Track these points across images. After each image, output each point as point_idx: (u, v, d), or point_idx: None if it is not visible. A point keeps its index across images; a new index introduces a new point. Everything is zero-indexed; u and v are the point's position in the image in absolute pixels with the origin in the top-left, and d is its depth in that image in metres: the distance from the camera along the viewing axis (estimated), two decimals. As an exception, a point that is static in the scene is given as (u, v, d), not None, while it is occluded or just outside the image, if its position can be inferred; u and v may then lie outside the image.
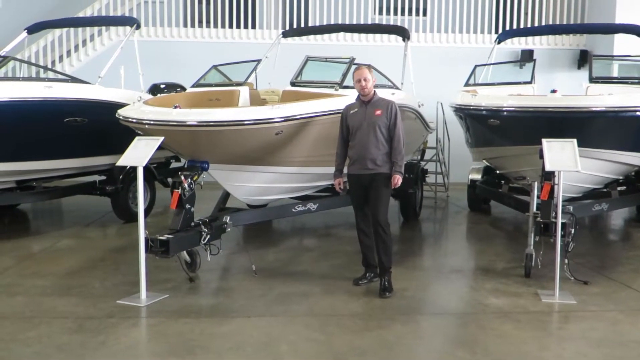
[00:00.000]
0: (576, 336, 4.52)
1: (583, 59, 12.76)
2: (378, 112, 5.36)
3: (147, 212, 8.26)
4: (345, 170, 5.69)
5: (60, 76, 8.15)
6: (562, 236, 5.42)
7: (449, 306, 5.23)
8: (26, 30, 9.02)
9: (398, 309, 5.05)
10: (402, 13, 13.27)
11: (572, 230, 5.72)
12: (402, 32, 8.42)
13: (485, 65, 9.24)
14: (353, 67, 7.25)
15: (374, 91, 5.49)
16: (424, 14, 13.41)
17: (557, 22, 13.05)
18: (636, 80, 8.49)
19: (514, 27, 13.05)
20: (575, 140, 5.46)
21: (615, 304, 5.23)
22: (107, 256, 6.70)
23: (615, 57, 10.36)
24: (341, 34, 12.41)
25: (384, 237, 5.38)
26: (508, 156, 7.00)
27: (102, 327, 4.51)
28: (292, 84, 7.53)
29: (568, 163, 5.33)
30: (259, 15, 13.09)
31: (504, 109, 6.23)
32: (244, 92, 7.47)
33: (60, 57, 12.33)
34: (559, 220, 5.37)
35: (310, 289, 5.52)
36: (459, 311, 5.12)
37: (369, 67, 5.57)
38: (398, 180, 5.36)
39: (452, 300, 5.39)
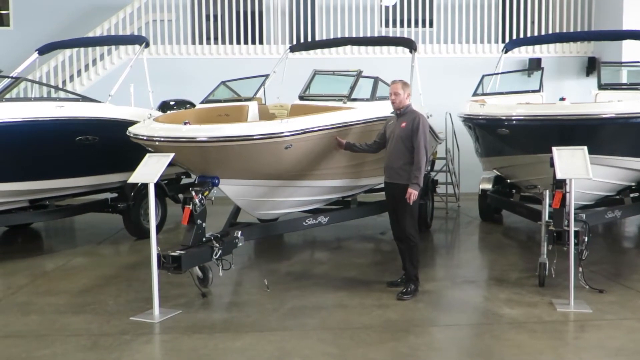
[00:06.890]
0: (593, 345, 4.48)
1: (591, 66, 12.71)
2: (403, 124, 5.65)
3: (158, 228, 8.28)
4: (350, 142, 6.24)
5: (71, 95, 8.21)
6: (575, 244, 5.38)
7: (463, 317, 5.20)
8: (37, 51, 9.17)
9: (412, 320, 5.02)
10: (409, 25, 13.27)
11: (586, 238, 5.68)
12: (409, 44, 8.43)
13: (493, 74, 9.23)
14: (361, 79, 7.32)
15: (408, 105, 5.75)
16: (431, 25, 13.43)
17: (564, 30, 13.02)
18: (645, 86, 8.45)
19: (521, 36, 13.01)
20: (585, 148, 5.44)
21: (632, 312, 5.18)
22: (119, 273, 6.72)
23: (623, 64, 10.32)
24: (348, 47, 12.43)
25: (411, 246, 5.70)
26: (519, 165, 6.97)
27: (116, 344, 4.52)
28: (301, 97, 7.56)
29: (579, 171, 5.30)
30: (266, 30, 13.16)
31: (513, 118, 6.22)
32: (252, 107, 7.49)
33: (71, 77, 12.46)
34: (572, 229, 5.33)
35: (323, 302, 5.51)
36: (473, 322, 5.09)
37: (403, 82, 5.80)
38: (411, 194, 5.47)
39: (466, 311, 5.36)
